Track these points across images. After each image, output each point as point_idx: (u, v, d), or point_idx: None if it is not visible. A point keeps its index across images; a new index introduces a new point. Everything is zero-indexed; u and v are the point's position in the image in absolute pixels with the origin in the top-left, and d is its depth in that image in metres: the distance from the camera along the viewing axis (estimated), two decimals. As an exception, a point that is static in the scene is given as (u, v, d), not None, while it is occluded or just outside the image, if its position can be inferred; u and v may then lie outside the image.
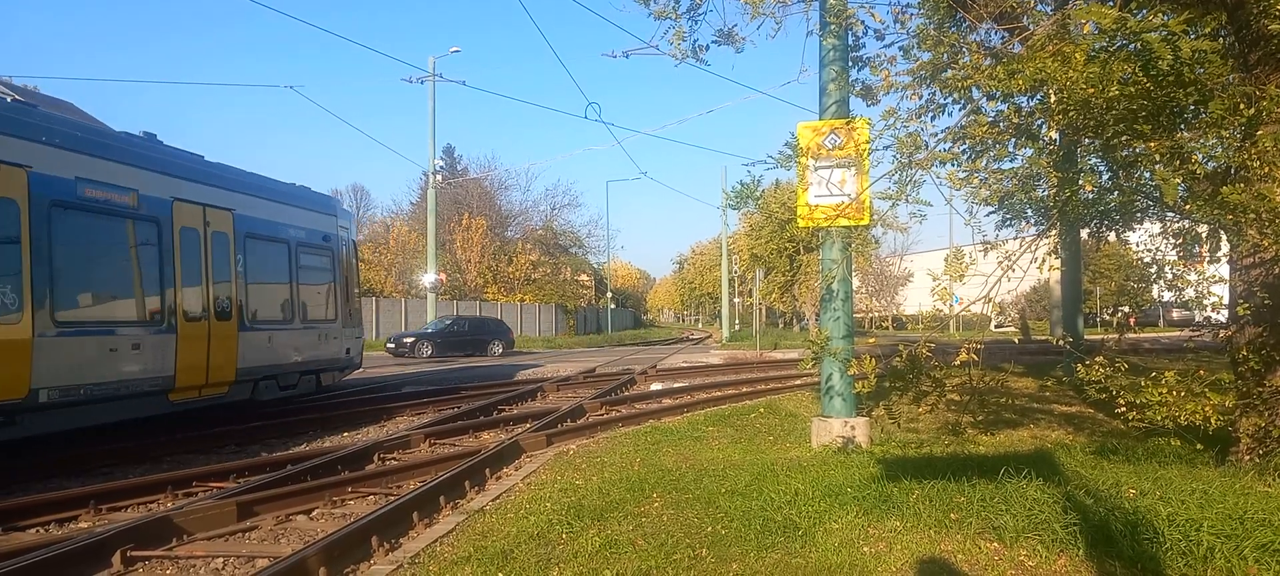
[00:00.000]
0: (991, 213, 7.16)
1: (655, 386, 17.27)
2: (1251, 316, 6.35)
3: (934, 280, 7.00)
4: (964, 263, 7.04)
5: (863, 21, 7.57)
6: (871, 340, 8.57)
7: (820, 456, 7.76)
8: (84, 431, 9.33)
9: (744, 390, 15.47)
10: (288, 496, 6.94)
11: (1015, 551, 4.78)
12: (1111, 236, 8.15)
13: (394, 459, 9.20)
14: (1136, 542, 4.58)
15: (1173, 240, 6.74)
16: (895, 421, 8.74)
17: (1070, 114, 5.92)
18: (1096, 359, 6.76)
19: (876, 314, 65.54)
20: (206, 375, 10.58)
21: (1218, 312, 7.14)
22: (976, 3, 6.76)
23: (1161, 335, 34.33)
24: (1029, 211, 7.20)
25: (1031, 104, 6.57)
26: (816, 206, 8.32)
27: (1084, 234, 9.98)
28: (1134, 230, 7.77)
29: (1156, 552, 4.47)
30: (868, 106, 7.67)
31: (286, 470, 7.94)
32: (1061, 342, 10.32)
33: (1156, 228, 7.12)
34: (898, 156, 6.49)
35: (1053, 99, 6.11)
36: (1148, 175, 6.29)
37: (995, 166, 6.73)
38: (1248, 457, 6.32)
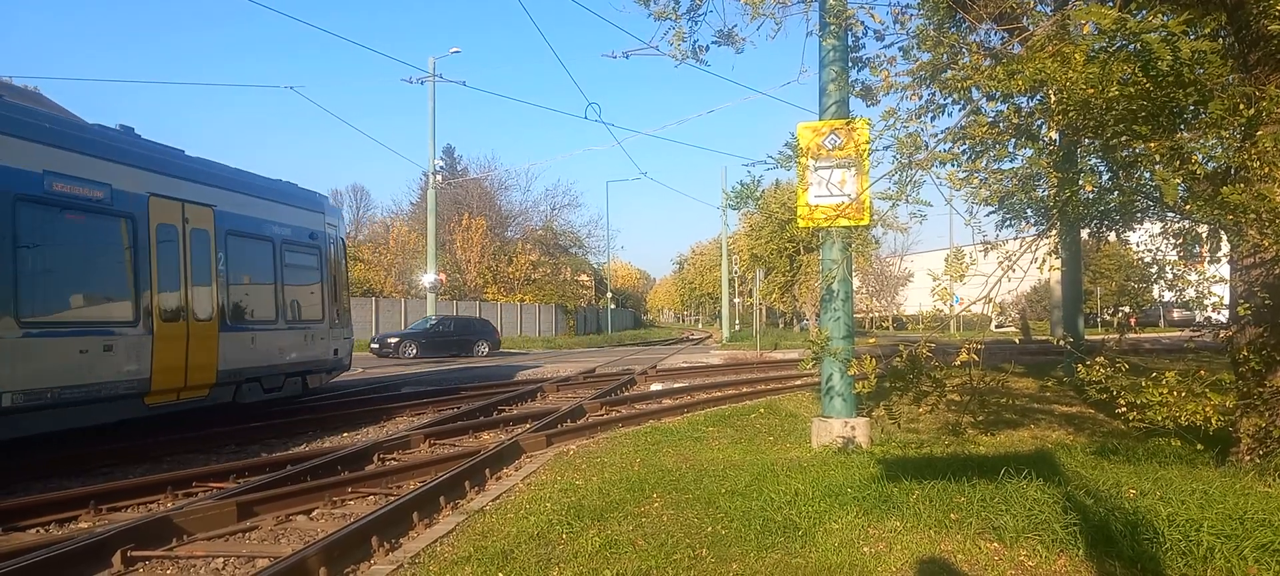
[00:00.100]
0: (991, 213, 7.17)
1: (655, 386, 17.27)
2: (1252, 316, 6.35)
3: (934, 280, 7.01)
4: (964, 263, 7.05)
5: (862, 22, 7.58)
6: (872, 340, 8.58)
7: (820, 456, 7.76)
8: (83, 431, 9.32)
9: (744, 390, 15.46)
10: (288, 496, 6.94)
11: (1015, 551, 4.78)
12: (1112, 236, 8.16)
13: (394, 459, 9.20)
14: (1136, 542, 4.58)
15: (1173, 240, 6.74)
16: (895, 421, 8.74)
17: (1070, 114, 5.92)
18: (1097, 359, 6.76)
19: (877, 314, 65.54)
20: (185, 377, 10.29)
21: (1218, 313, 7.14)
22: (976, 3, 6.76)
23: (1162, 335, 34.33)
24: (1029, 211, 7.20)
25: (1031, 104, 6.57)
26: (816, 206, 8.32)
27: (1084, 234, 9.99)
28: (1134, 230, 7.77)
29: (1156, 552, 4.47)
30: (867, 107, 7.68)
31: (286, 470, 7.94)
32: (1062, 343, 10.33)
33: (1157, 228, 7.12)
34: (898, 157, 6.49)
35: (1052, 99, 6.12)
36: (1148, 175, 6.30)
37: (995, 167, 6.74)
38: (1248, 458, 6.32)
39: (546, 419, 11.32)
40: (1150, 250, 7.04)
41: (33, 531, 6.35)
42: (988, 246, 7.03)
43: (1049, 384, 13.63)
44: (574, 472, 7.73)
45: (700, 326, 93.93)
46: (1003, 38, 6.98)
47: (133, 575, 5.40)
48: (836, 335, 8.43)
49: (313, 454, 9.17)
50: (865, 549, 4.96)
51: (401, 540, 5.84)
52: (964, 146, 6.58)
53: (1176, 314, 43.50)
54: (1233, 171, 5.78)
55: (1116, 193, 6.80)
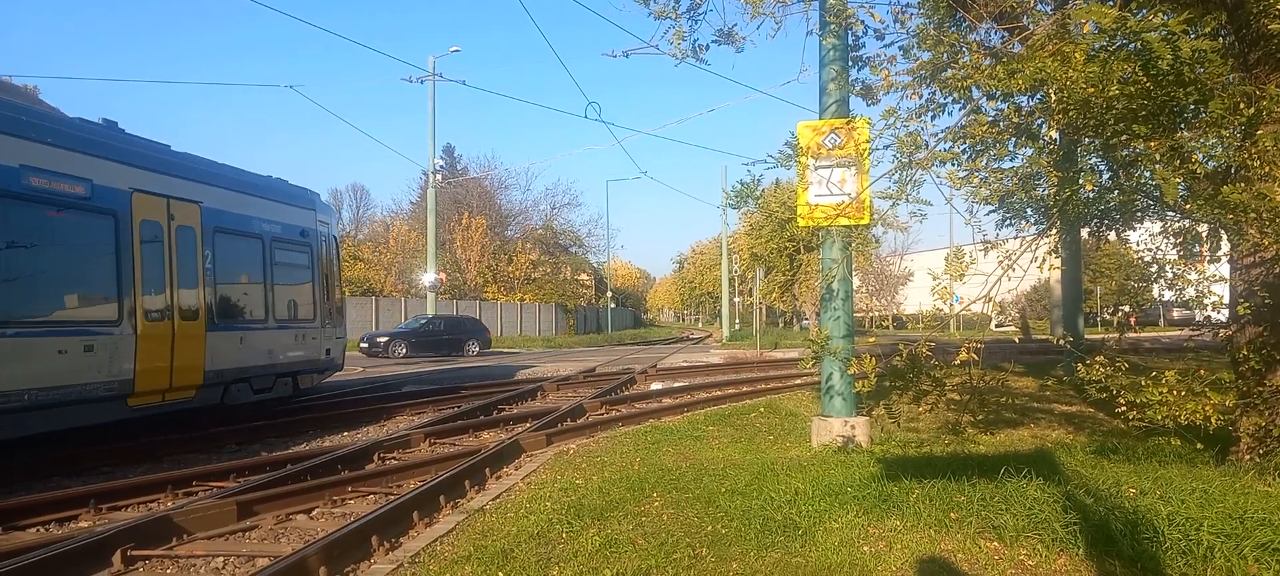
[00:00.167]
0: (991, 212, 7.17)
1: (655, 386, 17.28)
2: (1252, 316, 6.35)
3: (934, 279, 7.01)
4: (964, 262, 7.05)
5: (862, 21, 7.58)
6: (871, 339, 8.58)
7: (820, 455, 7.76)
8: (83, 431, 9.31)
9: (744, 389, 15.47)
10: (288, 495, 6.94)
11: (1015, 550, 4.78)
12: (1112, 236, 8.15)
13: (394, 458, 9.20)
14: (1136, 542, 4.58)
15: (1173, 239, 6.74)
16: (895, 421, 8.74)
17: (1070, 113, 5.92)
18: (1097, 358, 6.76)
19: (877, 313, 65.57)
20: (170, 378, 10.03)
21: (1218, 312, 7.14)
22: (976, 2, 6.75)
23: (1162, 334, 34.34)
24: (1029, 211, 7.20)
25: (1031, 103, 6.58)
26: (817, 206, 8.32)
27: (1084, 233, 9.98)
28: (1134, 229, 7.76)
29: (1156, 552, 4.47)
30: (868, 106, 7.68)
31: (286, 469, 7.94)
32: (1062, 342, 10.33)
33: (1157, 227, 7.12)
34: (898, 156, 6.50)
35: (1053, 98, 6.11)
36: (1148, 174, 6.29)
37: (995, 166, 6.74)
38: (1248, 457, 6.32)
39: (546, 418, 11.33)
40: (1150, 249, 7.04)
41: (33, 530, 6.35)
42: (988, 245, 7.03)
43: (1049, 383, 13.64)
44: (574, 471, 7.73)
45: (700, 326, 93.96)
46: (1003, 37, 6.98)
47: (133, 574, 5.40)
48: (836, 334, 8.43)
49: (313, 453, 9.17)
50: (865, 548, 4.96)
51: (402, 539, 5.84)
52: (964, 145, 6.58)
53: (1176, 313, 43.49)
54: (1233, 171, 5.78)
55: (1117, 192, 6.80)
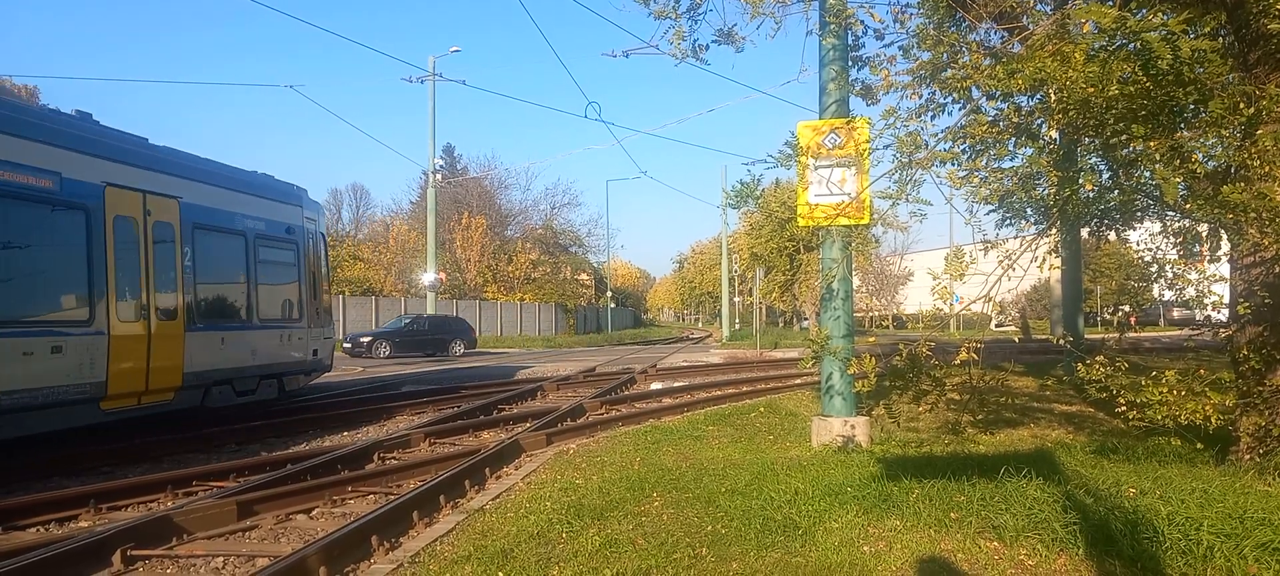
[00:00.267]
0: (991, 211, 7.17)
1: (655, 385, 17.28)
2: (1252, 315, 6.35)
3: (934, 279, 7.01)
4: (964, 261, 7.05)
5: (862, 21, 7.59)
6: (871, 339, 8.58)
7: (820, 455, 7.76)
8: (82, 431, 9.31)
9: (744, 389, 15.47)
10: (288, 495, 6.94)
11: (1015, 550, 4.78)
12: (1112, 235, 8.15)
13: (394, 458, 9.20)
14: (1136, 541, 4.58)
15: (1173, 239, 6.74)
16: (895, 420, 8.75)
17: (1070, 113, 5.92)
18: (1097, 358, 6.77)
19: (877, 313, 65.58)
20: (146, 381, 9.70)
21: (1218, 312, 7.14)
22: (976, 2, 6.76)
23: (1162, 334, 34.34)
24: (1029, 210, 7.20)
25: (1031, 103, 6.57)
26: (816, 205, 8.32)
27: (1084, 233, 9.99)
28: (1134, 229, 7.77)
29: (1156, 551, 4.47)
30: (868, 106, 7.69)
31: (286, 469, 7.94)
32: (1062, 342, 10.34)
33: (1157, 227, 7.12)
34: (898, 156, 6.50)
35: (1052, 98, 6.11)
36: (1148, 174, 6.29)
37: (995, 165, 6.74)
38: (1248, 457, 6.32)
39: (546, 418, 11.33)
40: (1150, 249, 7.03)
41: (33, 530, 6.35)
42: (988, 245, 7.03)
43: (1049, 383, 13.64)
44: (574, 471, 7.73)
45: (700, 325, 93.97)
46: (1003, 37, 6.98)
47: (133, 574, 5.40)
48: (836, 334, 8.43)
49: (313, 453, 9.17)
50: (865, 548, 4.96)
51: (401, 539, 5.84)
52: (964, 145, 6.58)
53: (1176, 313, 43.50)
54: (1233, 170, 5.78)
55: (1116, 191, 6.80)
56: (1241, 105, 5.50)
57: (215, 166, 11.54)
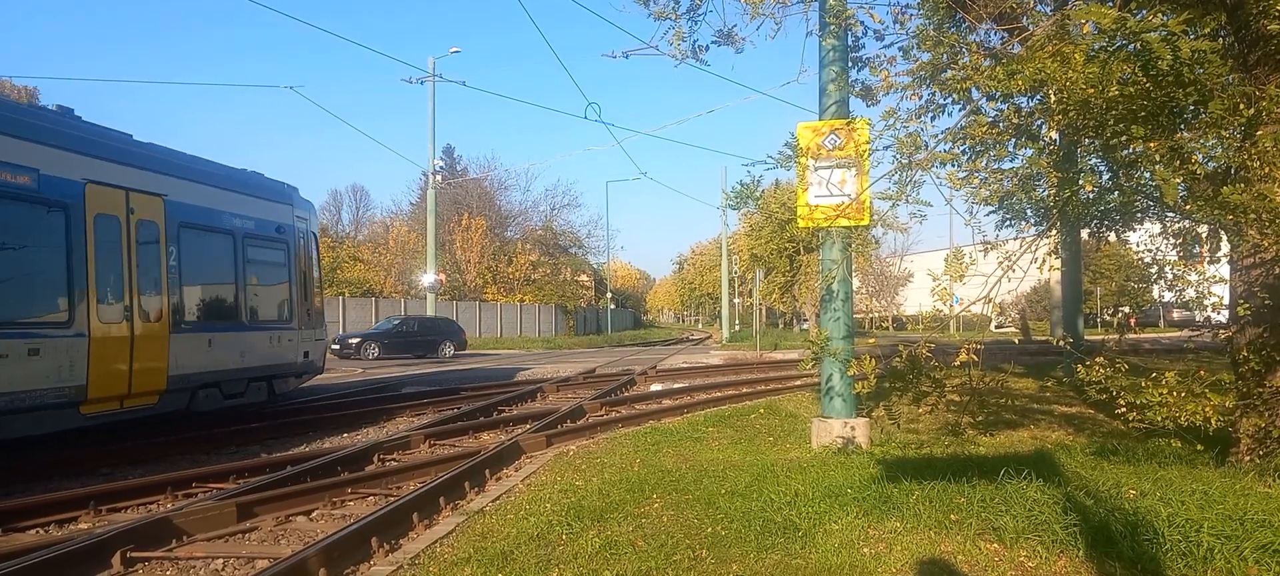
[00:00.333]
0: (991, 213, 7.17)
1: (655, 387, 17.27)
2: (1252, 317, 6.35)
3: (934, 280, 7.01)
4: (964, 263, 7.05)
5: (862, 22, 7.59)
6: (871, 340, 8.57)
7: (820, 457, 7.75)
8: (83, 433, 9.30)
9: (744, 391, 15.46)
10: (287, 497, 6.93)
11: (1015, 552, 4.78)
12: (1112, 236, 8.15)
13: (394, 460, 9.19)
14: (1136, 543, 4.57)
15: (1173, 240, 6.74)
16: (895, 422, 8.74)
17: (1070, 114, 5.92)
18: (1097, 359, 6.76)
19: (877, 314, 65.60)
20: (129, 384, 9.42)
21: (1218, 313, 7.14)
22: (976, 3, 6.76)
23: (1162, 335, 34.34)
24: (1029, 211, 7.20)
25: (1031, 104, 6.57)
26: (816, 206, 8.32)
27: (1084, 234, 9.99)
28: (1134, 230, 7.77)
29: (1156, 553, 4.47)
30: (867, 107, 7.68)
31: (286, 471, 7.93)
32: (1062, 343, 10.34)
33: (1157, 228, 7.12)
34: (898, 157, 6.49)
35: (1052, 99, 6.12)
36: (1148, 175, 6.29)
37: (995, 167, 6.74)
38: (1248, 458, 6.32)
39: (546, 419, 11.32)
40: (1150, 250, 7.03)
41: (32, 532, 6.35)
42: (988, 246, 7.03)
43: (1049, 384, 13.62)
44: (574, 473, 7.73)
45: (700, 327, 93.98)
46: (1003, 38, 6.98)
47: (132, 575, 5.40)
48: (836, 335, 8.42)
49: (312, 454, 9.16)
50: (865, 549, 4.95)
51: (401, 541, 5.84)
52: (964, 146, 6.58)
53: (1176, 314, 43.52)
54: (1233, 171, 5.78)
55: (1116, 192, 6.80)
56: (1241, 106, 5.51)
57: (203, 164, 11.34)
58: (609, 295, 67.97)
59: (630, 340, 54.86)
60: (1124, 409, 6.59)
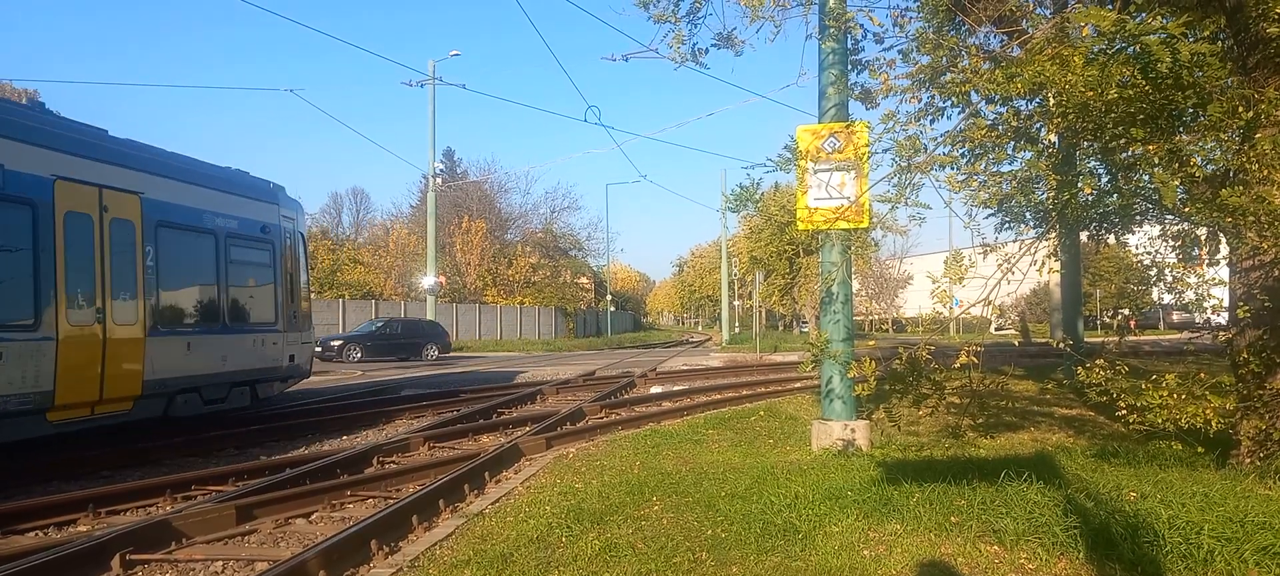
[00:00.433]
0: (991, 215, 7.18)
1: (655, 389, 17.27)
2: (1251, 319, 6.35)
3: (934, 283, 6.99)
4: (963, 265, 7.04)
5: (862, 25, 7.60)
6: (871, 343, 8.58)
7: (820, 459, 7.75)
8: (82, 433, 9.28)
9: (744, 393, 15.46)
10: (287, 499, 6.92)
11: (1015, 554, 4.78)
12: (1111, 239, 8.16)
13: (393, 462, 9.19)
14: (1137, 545, 4.57)
15: (1172, 243, 6.75)
16: (895, 424, 8.74)
17: (1069, 117, 5.92)
18: (1097, 361, 6.77)
19: (876, 316, 65.63)
20: (101, 389, 9.03)
21: (1217, 315, 7.15)
22: (975, 6, 6.77)
23: (1161, 338, 34.36)
24: (1028, 214, 7.20)
25: (1030, 107, 6.58)
26: (816, 209, 8.32)
27: (1083, 236, 9.99)
28: (1133, 233, 7.78)
29: (1157, 556, 4.46)
30: (867, 110, 7.71)
31: (285, 473, 7.92)
32: (1061, 345, 10.34)
33: (1156, 230, 7.13)
34: (897, 159, 6.50)
35: (1052, 102, 6.12)
36: (1147, 178, 6.30)
37: (994, 169, 6.73)
38: (1248, 460, 6.31)
39: (546, 421, 11.32)
40: (1149, 253, 7.04)
41: (32, 534, 6.34)
42: (987, 249, 7.04)
43: (1049, 386, 13.63)
44: (573, 475, 7.73)
45: (700, 329, 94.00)
46: (1002, 41, 6.99)
47: (131, 578, 5.39)
48: (836, 338, 8.43)
49: (312, 457, 9.15)
50: (865, 552, 4.95)
51: (400, 543, 5.83)
52: (963, 149, 6.58)
53: (1176, 316, 43.58)
54: (1232, 174, 5.79)
55: (1115, 195, 6.80)
56: (1240, 109, 5.51)
57: (183, 161, 11.00)
58: (609, 298, 67.98)
59: (630, 342, 54.84)
60: (1124, 411, 6.59)
